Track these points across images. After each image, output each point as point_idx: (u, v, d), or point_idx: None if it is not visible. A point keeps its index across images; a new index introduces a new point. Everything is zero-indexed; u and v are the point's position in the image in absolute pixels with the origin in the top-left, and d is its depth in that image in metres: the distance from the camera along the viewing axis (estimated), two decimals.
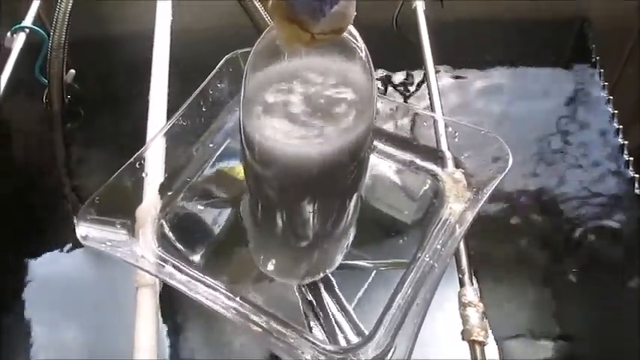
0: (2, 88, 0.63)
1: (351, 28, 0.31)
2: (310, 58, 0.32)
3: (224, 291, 0.41)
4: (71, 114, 0.72)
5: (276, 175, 0.36)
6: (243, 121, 0.35)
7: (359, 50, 0.33)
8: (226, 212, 0.49)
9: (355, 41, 0.32)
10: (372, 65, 0.33)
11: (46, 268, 0.60)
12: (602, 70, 0.70)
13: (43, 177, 0.71)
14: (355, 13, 0.30)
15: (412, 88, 0.69)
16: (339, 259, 0.45)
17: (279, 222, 0.40)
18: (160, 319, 0.46)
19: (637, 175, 0.61)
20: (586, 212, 0.60)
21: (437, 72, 0.56)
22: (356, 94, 0.33)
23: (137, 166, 0.46)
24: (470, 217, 0.42)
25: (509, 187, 0.60)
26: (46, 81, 0.69)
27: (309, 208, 0.38)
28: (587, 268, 0.58)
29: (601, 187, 0.62)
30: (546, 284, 0.57)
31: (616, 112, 0.66)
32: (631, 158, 0.63)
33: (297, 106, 0.33)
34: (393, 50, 0.68)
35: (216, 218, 0.48)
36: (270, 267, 0.45)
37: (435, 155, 0.47)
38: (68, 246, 0.60)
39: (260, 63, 0.33)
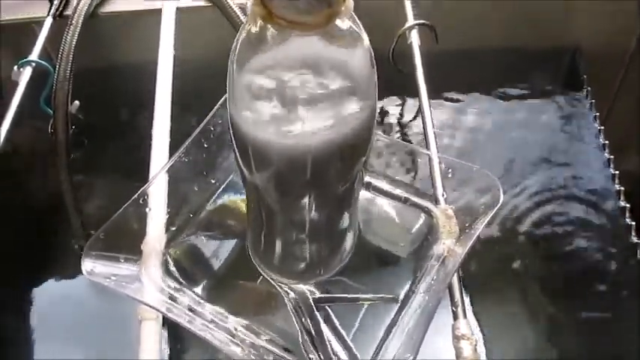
0: (10, 120, 0.64)
1: (354, 15, 0.31)
2: (305, 46, 0.31)
3: (227, 325, 0.42)
4: (76, 143, 0.73)
5: (271, 175, 0.35)
6: (233, 117, 0.33)
7: (359, 39, 0.32)
8: (230, 246, 0.50)
9: (357, 30, 0.31)
10: (372, 54, 0.32)
11: (49, 298, 0.61)
12: (593, 101, 0.71)
13: (47, 205, 0.73)
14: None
15: (408, 120, 0.71)
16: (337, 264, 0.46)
17: (277, 223, 0.40)
18: (164, 352, 0.47)
19: (628, 205, 0.62)
20: (578, 241, 0.62)
21: (431, 104, 0.57)
22: (356, 84, 0.32)
23: (141, 201, 0.47)
24: (462, 252, 0.44)
25: (502, 219, 0.61)
26: (52, 111, 0.71)
27: (305, 210, 0.37)
28: (581, 296, 0.59)
29: (592, 217, 0.63)
30: (544, 315, 0.58)
31: (607, 142, 0.67)
32: (622, 188, 0.64)
33: (292, 96, 0.31)
34: (389, 82, 0.70)
35: (220, 252, 0.49)
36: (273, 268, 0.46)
37: (428, 192, 0.49)
38: (72, 276, 0.62)
39: (248, 53, 0.32)
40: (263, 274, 0.47)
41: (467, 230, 0.45)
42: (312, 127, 0.32)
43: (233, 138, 0.35)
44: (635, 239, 0.60)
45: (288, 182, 0.35)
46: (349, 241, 0.46)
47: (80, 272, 0.43)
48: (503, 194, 0.45)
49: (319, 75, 0.31)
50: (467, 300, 0.46)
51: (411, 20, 0.64)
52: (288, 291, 0.46)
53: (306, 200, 0.37)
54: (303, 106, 0.31)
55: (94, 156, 0.74)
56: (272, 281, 0.47)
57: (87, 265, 0.43)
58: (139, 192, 0.47)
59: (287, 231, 0.42)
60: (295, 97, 0.31)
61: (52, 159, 0.74)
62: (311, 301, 0.46)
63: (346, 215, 0.42)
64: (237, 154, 0.36)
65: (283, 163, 0.33)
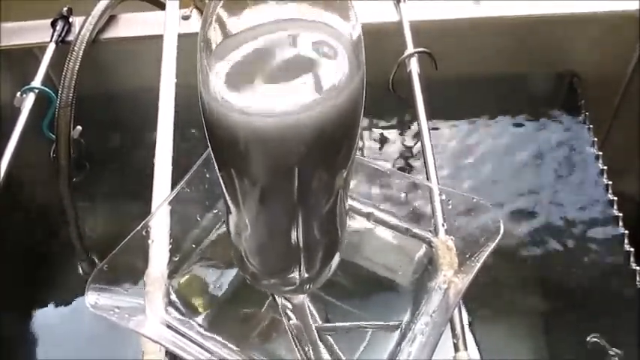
0: (14, 146, 0.65)
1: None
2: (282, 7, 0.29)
3: (230, 357, 0.43)
4: (77, 167, 0.74)
5: (256, 164, 0.30)
6: (206, 99, 0.29)
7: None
8: (232, 275, 0.50)
9: None
10: (358, 18, 0.29)
11: (50, 324, 0.61)
12: (591, 126, 0.72)
13: (49, 228, 0.73)
14: None
15: (408, 147, 0.72)
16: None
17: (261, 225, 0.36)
18: None
19: (627, 232, 0.63)
20: (576, 267, 0.62)
21: (430, 131, 0.58)
22: (342, 50, 0.29)
23: (144, 233, 0.48)
24: (463, 285, 0.44)
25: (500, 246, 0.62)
26: (54, 136, 0.71)
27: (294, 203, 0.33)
28: (578, 322, 0.60)
29: (590, 243, 0.64)
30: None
31: (605, 167, 0.68)
32: (620, 214, 0.64)
33: (273, 68, 0.28)
34: (389, 110, 0.71)
35: (223, 283, 0.49)
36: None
37: (428, 223, 0.49)
38: (74, 302, 0.62)
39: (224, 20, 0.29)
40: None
41: (467, 262, 0.45)
42: (301, 99, 0.28)
43: (208, 129, 0.30)
44: (634, 266, 0.60)
45: (276, 167, 0.31)
46: (336, 252, 0.41)
47: (82, 297, 0.43)
48: (503, 226, 0.45)
49: (306, 41, 0.28)
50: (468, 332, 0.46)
51: (410, 48, 0.65)
52: (291, 316, 0.46)
53: (295, 189, 0.32)
54: (287, 79, 0.28)
55: (96, 180, 0.74)
56: (273, 300, 0.46)
57: (91, 298, 0.43)
58: (141, 224, 0.47)
59: (273, 232, 0.37)
60: (279, 70, 0.28)
61: (54, 183, 0.75)
62: (313, 329, 0.47)
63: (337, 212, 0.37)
64: (215, 146, 0.32)
65: (271, 147, 0.29)
